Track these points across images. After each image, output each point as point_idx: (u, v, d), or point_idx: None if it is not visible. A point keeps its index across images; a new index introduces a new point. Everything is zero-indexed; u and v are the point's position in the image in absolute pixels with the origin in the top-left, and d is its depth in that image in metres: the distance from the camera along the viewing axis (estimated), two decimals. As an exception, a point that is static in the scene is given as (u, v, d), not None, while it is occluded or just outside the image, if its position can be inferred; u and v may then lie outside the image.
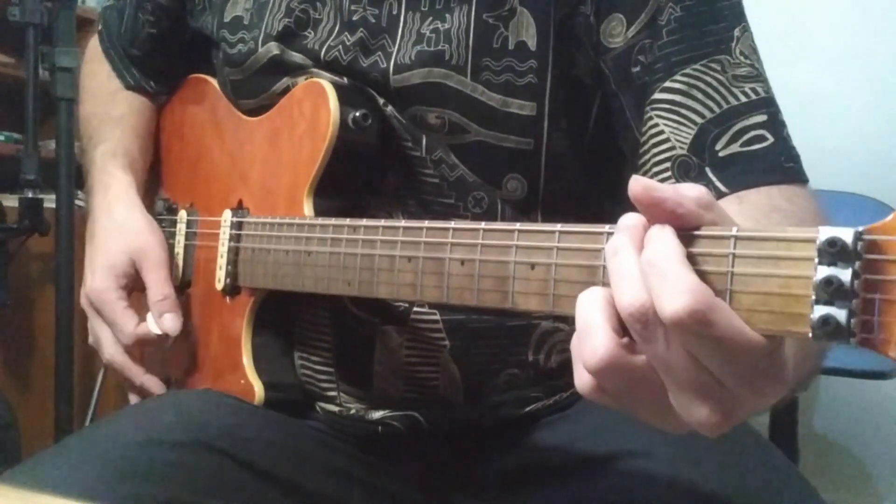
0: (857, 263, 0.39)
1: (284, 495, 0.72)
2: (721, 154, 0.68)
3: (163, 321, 0.82)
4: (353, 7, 0.79)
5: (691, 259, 0.44)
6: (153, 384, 0.86)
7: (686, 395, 0.43)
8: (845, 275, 0.39)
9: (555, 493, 0.74)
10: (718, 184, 0.67)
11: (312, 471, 0.76)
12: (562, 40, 0.74)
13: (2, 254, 1.87)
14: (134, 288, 0.86)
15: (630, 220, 0.45)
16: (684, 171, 0.69)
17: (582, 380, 0.45)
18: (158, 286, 0.84)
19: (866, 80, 2.02)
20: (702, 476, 0.67)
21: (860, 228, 0.40)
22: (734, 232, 0.43)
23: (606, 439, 0.73)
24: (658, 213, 0.44)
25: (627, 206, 0.77)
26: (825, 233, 0.40)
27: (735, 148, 0.68)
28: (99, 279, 0.84)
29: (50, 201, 1.80)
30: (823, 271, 0.40)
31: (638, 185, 0.44)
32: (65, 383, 1.74)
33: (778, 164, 0.68)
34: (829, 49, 2.06)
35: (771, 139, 0.69)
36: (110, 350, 0.85)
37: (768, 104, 0.70)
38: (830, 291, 0.40)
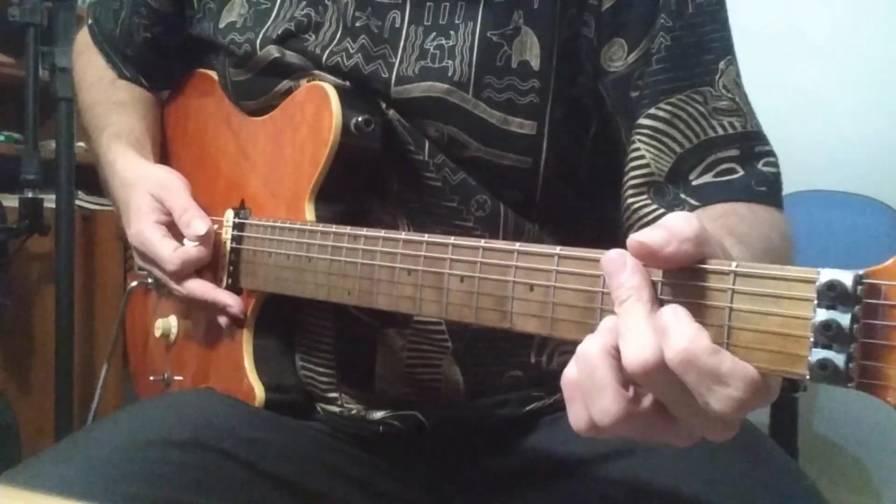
0: (857, 308, 0.39)
1: (285, 496, 0.72)
2: (694, 183, 0.72)
3: (192, 229, 0.81)
4: (356, 14, 0.79)
5: (691, 292, 0.45)
6: (228, 297, 0.80)
7: (696, 421, 0.45)
8: (844, 319, 0.39)
9: (555, 492, 0.74)
10: (692, 201, 0.71)
11: (313, 471, 0.76)
12: (564, 61, 0.75)
13: (2, 254, 1.87)
14: (168, 220, 0.84)
15: (616, 267, 0.46)
16: (660, 195, 0.73)
17: (580, 421, 0.48)
18: (179, 203, 0.83)
19: (866, 80, 2.02)
20: (704, 473, 0.67)
21: (860, 272, 0.40)
22: (734, 267, 0.43)
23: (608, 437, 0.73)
24: (665, 264, 0.45)
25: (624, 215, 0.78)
26: (825, 275, 0.40)
27: (708, 178, 0.72)
28: (133, 225, 0.84)
29: (50, 201, 1.80)
30: (822, 314, 0.40)
31: (643, 249, 0.45)
32: (65, 383, 1.74)
33: (748, 187, 0.72)
34: (829, 49, 2.06)
35: (741, 172, 0.72)
36: (176, 279, 0.82)
37: (743, 138, 0.73)
38: (829, 336, 0.39)
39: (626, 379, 0.45)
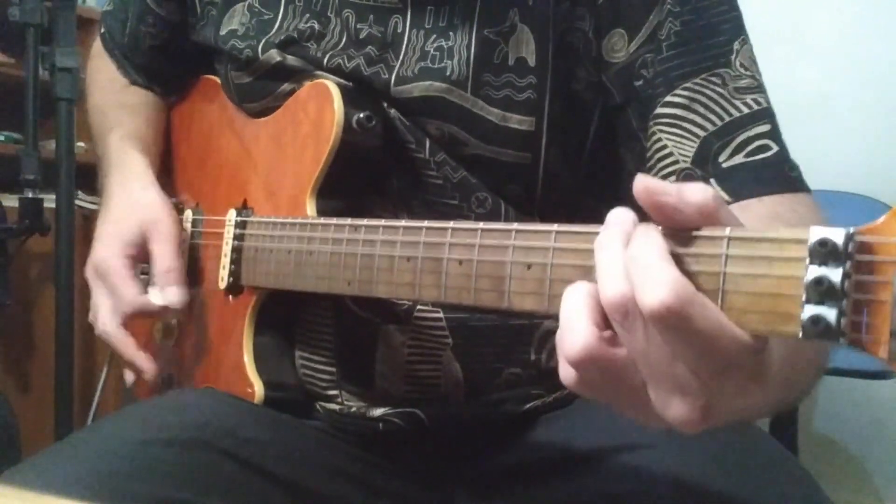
0: (848, 264, 0.39)
1: (285, 495, 0.72)
2: (724, 165, 0.69)
3: (167, 293, 0.80)
4: (359, 26, 0.79)
5: (684, 259, 0.44)
6: (143, 361, 0.82)
7: (664, 389, 0.44)
8: (836, 275, 0.39)
9: (556, 488, 0.74)
10: (723, 194, 0.67)
11: (313, 470, 0.76)
12: (561, 56, 0.75)
13: (2, 254, 1.87)
14: (140, 260, 0.84)
15: (618, 216, 0.46)
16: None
17: (565, 372, 0.46)
18: (165, 257, 0.82)
19: (866, 80, 2.02)
20: (703, 471, 0.67)
21: (851, 229, 0.40)
22: (727, 232, 0.43)
23: (607, 435, 0.73)
24: (657, 214, 0.45)
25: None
26: (816, 233, 0.40)
27: (739, 159, 0.69)
28: (105, 247, 0.83)
29: (50, 201, 1.80)
30: (814, 271, 0.40)
31: (640, 185, 0.44)
32: (65, 383, 1.74)
33: (782, 172, 0.69)
34: (829, 49, 2.06)
35: (775, 147, 0.70)
36: (105, 320, 0.82)
37: (770, 115, 0.71)
38: (821, 291, 0.40)
39: (604, 320, 0.44)
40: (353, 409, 0.80)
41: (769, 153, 0.69)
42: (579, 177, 0.80)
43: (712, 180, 0.69)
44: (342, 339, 0.80)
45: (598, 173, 0.80)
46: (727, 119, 0.70)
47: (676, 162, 0.71)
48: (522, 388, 0.80)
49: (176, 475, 0.67)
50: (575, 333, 0.44)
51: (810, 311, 0.40)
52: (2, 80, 2.13)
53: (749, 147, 0.69)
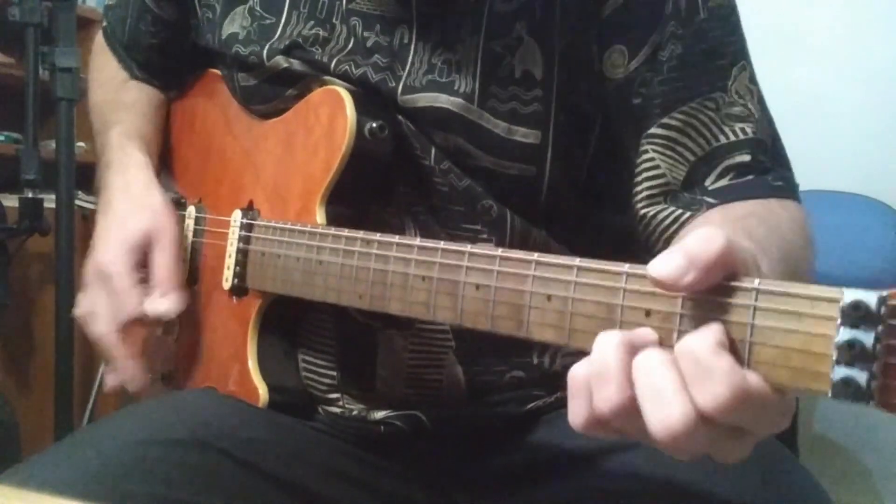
0: (880, 327, 0.40)
1: (285, 496, 0.72)
2: (711, 188, 0.72)
3: (165, 302, 0.80)
4: (366, 34, 0.79)
5: (714, 307, 0.45)
6: (135, 369, 0.81)
7: (678, 446, 0.45)
8: (868, 338, 0.40)
9: (556, 489, 0.74)
10: (710, 199, 0.71)
11: (314, 471, 0.76)
12: (565, 68, 0.75)
13: (2, 254, 1.87)
14: (142, 265, 0.83)
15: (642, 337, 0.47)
16: (677, 201, 0.73)
17: (579, 416, 0.47)
18: (167, 267, 0.82)
19: (866, 80, 2.02)
20: (704, 470, 0.67)
21: (884, 293, 0.40)
22: (756, 284, 0.44)
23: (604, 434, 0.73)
24: (690, 292, 0.46)
25: (628, 216, 0.78)
26: (850, 295, 0.41)
27: (724, 182, 0.72)
28: (112, 251, 0.82)
29: (50, 201, 1.80)
30: (846, 333, 0.40)
31: (658, 277, 0.45)
32: (65, 383, 1.74)
33: (766, 183, 0.72)
34: (829, 49, 2.06)
35: (751, 177, 0.72)
36: (102, 324, 0.81)
37: (752, 145, 0.72)
38: (852, 354, 0.40)
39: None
40: (355, 413, 0.80)
41: (748, 178, 0.72)
42: (581, 188, 0.80)
43: (699, 196, 0.72)
44: (343, 342, 0.79)
45: (597, 183, 0.80)
46: (715, 145, 0.72)
47: (668, 183, 0.72)
48: (524, 390, 0.80)
49: (176, 475, 0.67)
50: (611, 389, 0.45)
51: (841, 372, 0.40)
52: (2, 80, 2.13)
53: (731, 174, 0.72)
